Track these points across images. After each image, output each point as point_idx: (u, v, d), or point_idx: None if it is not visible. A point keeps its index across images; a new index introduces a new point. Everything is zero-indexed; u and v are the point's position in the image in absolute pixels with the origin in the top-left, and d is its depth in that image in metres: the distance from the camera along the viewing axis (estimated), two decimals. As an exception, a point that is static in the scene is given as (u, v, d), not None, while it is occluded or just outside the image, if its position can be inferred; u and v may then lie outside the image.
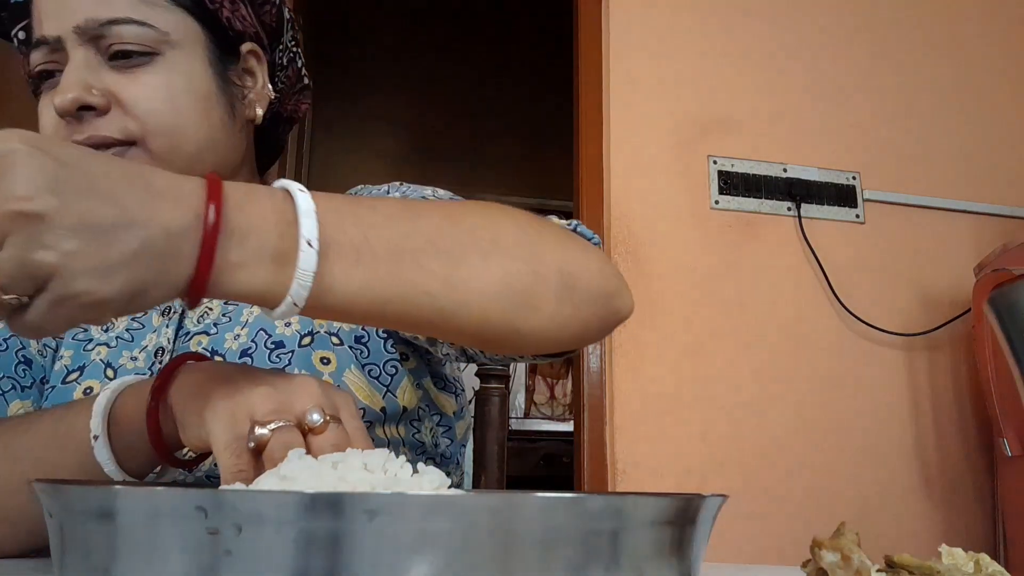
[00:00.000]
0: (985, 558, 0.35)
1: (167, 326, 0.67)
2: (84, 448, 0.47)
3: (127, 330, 0.68)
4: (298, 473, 0.33)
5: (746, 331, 1.73)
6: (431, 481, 0.34)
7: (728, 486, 1.62)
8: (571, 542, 0.25)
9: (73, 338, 0.68)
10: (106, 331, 0.68)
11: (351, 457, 0.35)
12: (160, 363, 0.65)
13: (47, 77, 0.62)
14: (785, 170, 1.84)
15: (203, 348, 0.65)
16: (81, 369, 0.67)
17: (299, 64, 0.76)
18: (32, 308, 0.34)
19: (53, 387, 0.67)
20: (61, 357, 0.68)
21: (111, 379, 0.64)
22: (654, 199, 1.77)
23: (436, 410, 0.72)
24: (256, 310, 0.66)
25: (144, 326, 0.68)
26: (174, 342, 0.66)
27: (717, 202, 1.79)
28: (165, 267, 0.36)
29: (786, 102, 1.88)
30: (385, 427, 0.66)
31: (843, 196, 1.86)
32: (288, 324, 0.65)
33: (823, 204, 1.84)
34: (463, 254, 0.45)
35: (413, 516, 0.24)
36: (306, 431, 0.40)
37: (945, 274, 1.86)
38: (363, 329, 0.67)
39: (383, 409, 0.65)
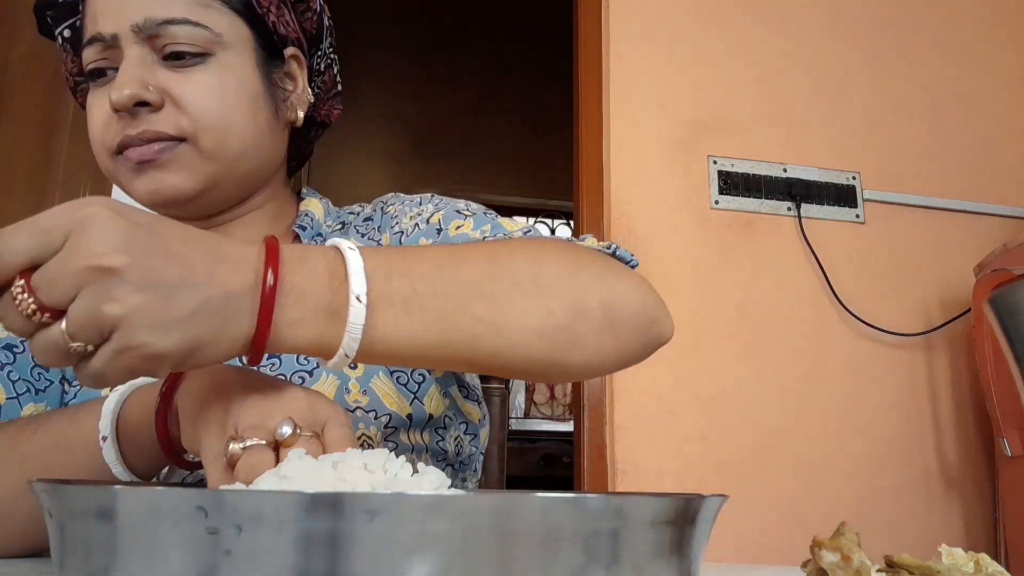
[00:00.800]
0: (985, 558, 0.35)
1: None
2: (92, 449, 0.47)
3: None
4: (298, 473, 0.33)
5: (746, 331, 1.73)
6: (431, 481, 0.34)
7: (728, 486, 1.62)
8: (571, 542, 0.25)
9: None
10: None
11: (351, 457, 0.35)
12: None
13: (99, 75, 0.64)
14: (785, 170, 1.84)
15: None
16: None
17: (335, 70, 0.78)
18: (96, 357, 0.36)
19: (82, 385, 0.66)
20: None
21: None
22: (654, 199, 1.77)
23: (463, 418, 0.72)
24: None
25: None
26: None
27: (717, 202, 1.79)
28: (224, 326, 0.38)
29: (786, 102, 1.88)
30: (410, 433, 0.66)
31: (843, 196, 1.86)
32: None
33: (823, 204, 1.84)
34: (507, 297, 0.47)
35: (413, 516, 0.24)
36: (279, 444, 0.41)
37: (945, 274, 1.86)
38: None
39: (409, 416, 0.65)
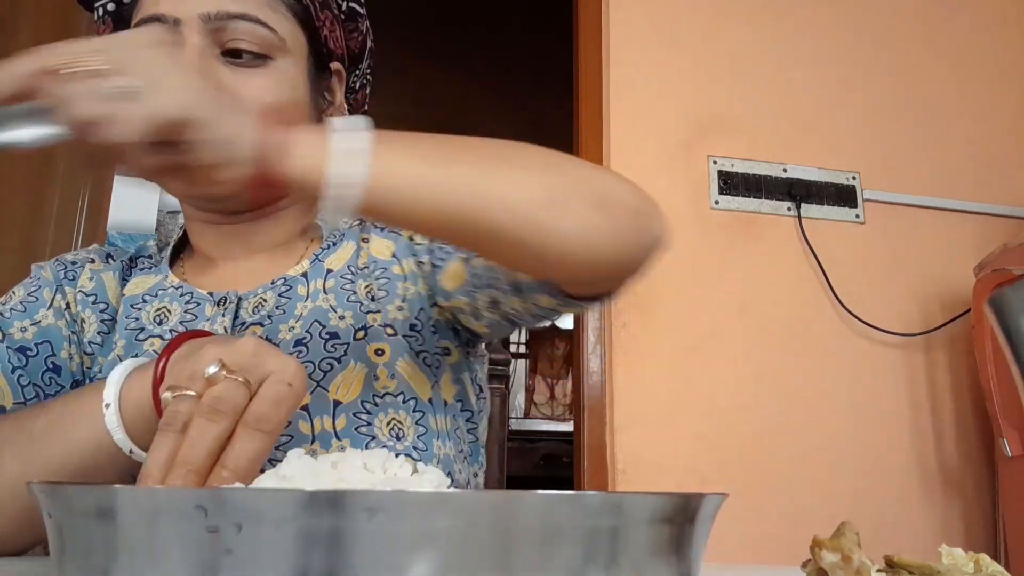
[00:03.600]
0: (985, 558, 0.35)
1: (223, 315, 0.66)
2: (96, 418, 0.48)
3: (180, 323, 0.67)
4: (297, 472, 0.33)
5: (746, 331, 1.73)
6: (430, 481, 0.34)
7: (728, 486, 1.62)
8: (571, 540, 0.25)
9: (127, 328, 0.67)
10: (160, 324, 0.67)
11: (351, 457, 0.36)
12: None
13: None
14: (785, 170, 1.84)
15: (259, 338, 0.65)
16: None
17: (367, 91, 0.80)
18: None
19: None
20: (115, 347, 0.67)
21: None
22: (654, 199, 1.76)
23: (468, 406, 0.73)
24: (310, 303, 0.67)
25: (197, 317, 0.67)
26: (231, 332, 0.66)
27: (717, 202, 1.79)
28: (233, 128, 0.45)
29: (786, 102, 1.88)
30: (436, 417, 0.66)
31: (843, 196, 1.86)
32: (342, 317, 0.66)
33: (823, 204, 1.84)
34: (506, 163, 0.51)
35: (413, 513, 0.24)
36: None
37: (945, 274, 1.86)
38: (416, 318, 0.68)
39: (430, 400, 0.66)
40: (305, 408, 0.61)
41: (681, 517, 0.29)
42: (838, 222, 1.85)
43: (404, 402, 0.64)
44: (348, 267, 0.71)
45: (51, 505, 0.29)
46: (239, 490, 0.25)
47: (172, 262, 0.74)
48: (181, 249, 0.76)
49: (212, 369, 0.41)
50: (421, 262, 0.70)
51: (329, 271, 0.70)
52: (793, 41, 1.92)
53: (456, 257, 0.68)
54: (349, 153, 0.47)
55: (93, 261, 0.73)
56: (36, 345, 0.66)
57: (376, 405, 0.62)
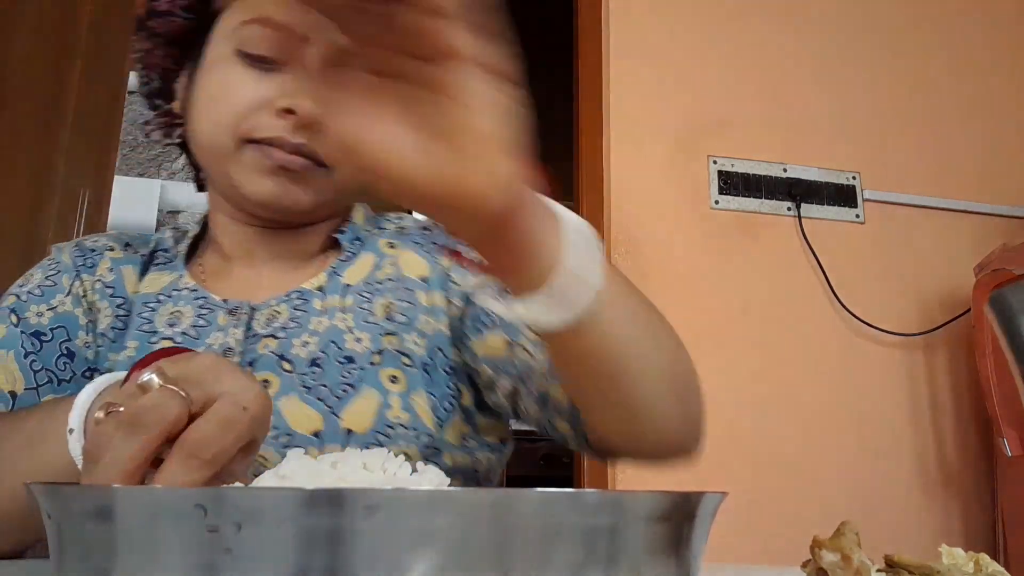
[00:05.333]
0: (985, 558, 0.35)
1: (235, 326, 0.65)
2: (62, 443, 0.44)
3: (193, 326, 0.65)
4: (296, 472, 0.33)
5: (746, 331, 1.73)
6: (430, 480, 0.34)
7: (728, 485, 1.61)
8: (569, 538, 0.25)
9: (139, 329, 0.66)
10: (172, 326, 0.66)
11: (350, 456, 0.35)
12: None
13: (257, 60, 0.62)
14: (785, 170, 1.84)
15: (271, 351, 0.63)
16: None
17: None
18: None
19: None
20: (126, 347, 0.65)
21: None
22: (654, 199, 1.77)
23: (489, 438, 0.70)
24: (326, 319, 0.65)
25: (210, 324, 0.66)
26: (243, 343, 0.64)
27: (717, 202, 1.79)
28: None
29: (786, 102, 1.88)
30: (445, 455, 0.64)
31: (843, 196, 1.86)
32: (359, 340, 0.64)
33: (823, 204, 1.84)
34: (662, 330, 0.51)
35: (413, 512, 0.24)
36: None
37: (945, 274, 1.86)
38: (430, 357, 0.65)
39: (439, 439, 0.63)
40: (316, 434, 0.59)
41: (680, 515, 0.29)
42: (838, 222, 1.85)
43: (416, 437, 0.62)
44: (366, 282, 0.69)
45: (50, 506, 0.29)
46: (239, 489, 0.25)
47: (189, 256, 0.72)
48: (197, 243, 0.74)
49: (146, 376, 0.35)
50: (452, 302, 0.68)
51: (347, 286, 0.68)
52: (793, 41, 1.92)
53: (500, 332, 0.64)
54: (585, 250, 0.40)
55: (113, 250, 0.71)
56: (51, 330, 0.65)
57: (388, 437, 0.60)
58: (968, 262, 1.75)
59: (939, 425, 1.79)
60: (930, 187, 1.91)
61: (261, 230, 0.70)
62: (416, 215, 0.77)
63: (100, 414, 0.36)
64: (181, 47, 0.68)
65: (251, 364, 0.62)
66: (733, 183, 1.81)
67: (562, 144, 2.14)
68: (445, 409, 0.65)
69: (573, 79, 1.89)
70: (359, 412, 0.61)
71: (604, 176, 1.76)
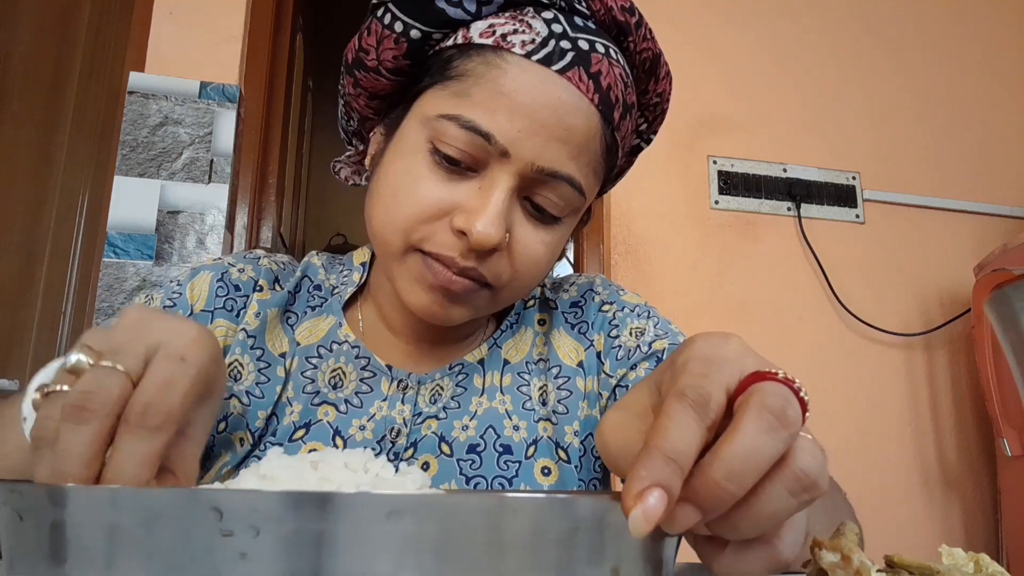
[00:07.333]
0: (985, 558, 0.35)
1: (401, 401, 0.62)
2: (19, 432, 0.41)
3: (356, 393, 0.62)
4: (278, 472, 0.32)
5: (746, 331, 1.73)
6: (414, 481, 0.34)
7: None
8: (556, 542, 0.25)
9: (303, 390, 0.61)
10: (335, 388, 0.62)
11: (331, 456, 0.35)
12: (392, 441, 0.60)
13: (450, 161, 0.54)
14: (785, 170, 1.84)
15: (433, 432, 0.61)
16: (307, 426, 0.60)
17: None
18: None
19: (280, 443, 0.59)
20: (292, 411, 0.61)
21: (339, 447, 0.59)
22: (654, 199, 1.77)
23: None
24: (486, 400, 0.63)
25: (372, 389, 0.62)
26: (409, 423, 0.61)
27: (717, 202, 1.79)
28: None
29: (786, 102, 1.88)
30: None
31: (843, 196, 1.86)
32: (516, 428, 0.62)
33: (823, 204, 1.84)
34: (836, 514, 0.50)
35: (399, 516, 0.23)
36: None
37: (945, 274, 1.86)
38: (582, 444, 0.63)
39: None
40: None
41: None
42: (838, 222, 1.85)
43: None
44: (525, 363, 0.66)
45: (40, 508, 0.29)
46: (228, 491, 0.25)
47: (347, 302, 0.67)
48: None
49: (73, 358, 0.34)
50: (602, 394, 0.65)
51: (506, 362, 0.66)
52: (793, 41, 1.92)
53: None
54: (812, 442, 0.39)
55: (261, 289, 0.64)
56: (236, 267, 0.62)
57: None
58: (968, 262, 1.75)
59: (939, 425, 1.79)
60: (930, 187, 1.91)
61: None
62: (568, 278, 0.73)
63: (36, 395, 0.34)
64: (383, 101, 0.63)
65: (414, 444, 0.61)
66: (733, 183, 1.81)
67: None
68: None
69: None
70: None
71: (604, 176, 1.76)
